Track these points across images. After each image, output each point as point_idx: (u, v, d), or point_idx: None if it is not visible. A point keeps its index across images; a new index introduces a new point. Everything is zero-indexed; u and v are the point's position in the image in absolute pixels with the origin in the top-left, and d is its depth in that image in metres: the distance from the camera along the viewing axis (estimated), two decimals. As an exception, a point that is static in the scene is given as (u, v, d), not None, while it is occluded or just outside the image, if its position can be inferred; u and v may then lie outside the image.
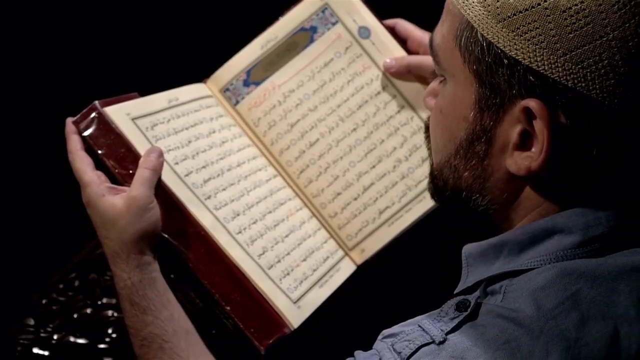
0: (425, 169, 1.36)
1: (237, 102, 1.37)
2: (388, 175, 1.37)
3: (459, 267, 1.05)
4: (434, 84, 1.10)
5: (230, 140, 1.32)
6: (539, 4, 0.91)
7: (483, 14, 0.93)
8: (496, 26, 0.93)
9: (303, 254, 1.31)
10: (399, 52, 1.38)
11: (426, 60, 1.35)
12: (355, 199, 1.36)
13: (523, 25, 0.92)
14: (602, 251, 0.95)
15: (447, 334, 0.94)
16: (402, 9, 1.41)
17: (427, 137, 1.09)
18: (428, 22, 1.38)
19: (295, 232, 1.32)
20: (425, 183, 1.36)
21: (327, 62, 1.38)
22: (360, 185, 1.36)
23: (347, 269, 1.35)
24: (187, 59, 1.53)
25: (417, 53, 1.37)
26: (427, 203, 1.36)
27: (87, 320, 1.43)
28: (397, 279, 1.56)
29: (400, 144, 1.37)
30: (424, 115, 1.37)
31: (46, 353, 1.43)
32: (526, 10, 0.91)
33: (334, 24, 1.38)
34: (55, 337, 1.43)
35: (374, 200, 1.36)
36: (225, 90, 1.37)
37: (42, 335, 1.43)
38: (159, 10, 1.55)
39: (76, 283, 1.43)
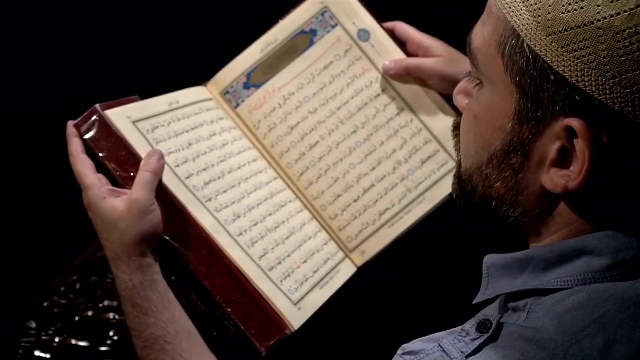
0: (424, 171, 1.36)
1: (238, 104, 1.38)
2: (388, 177, 1.37)
3: (459, 268, 1.05)
4: (466, 84, 1.05)
5: (230, 143, 1.33)
6: (592, 23, 0.87)
7: (532, 23, 0.90)
8: (545, 39, 0.89)
9: (303, 256, 1.31)
10: (398, 54, 1.38)
11: (425, 62, 1.36)
12: (355, 200, 1.36)
13: (574, 43, 0.88)
14: (631, 275, 0.93)
15: (467, 356, 0.92)
16: (401, 11, 1.42)
17: (456, 135, 1.07)
18: (427, 25, 1.39)
19: (296, 233, 1.32)
20: (425, 185, 1.37)
21: (327, 64, 1.38)
22: (360, 187, 1.37)
23: (347, 271, 1.35)
24: (188, 62, 1.53)
25: (416, 55, 1.38)
26: (426, 205, 1.36)
27: (88, 323, 1.43)
28: (397, 280, 1.56)
29: (400, 146, 1.37)
30: (424, 117, 1.38)
31: (47, 356, 1.43)
32: (578, 27, 0.88)
33: (333, 26, 1.38)
34: (56, 339, 1.43)
35: (374, 202, 1.37)
36: (225, 92, 1.37)
37: (43, 337, 1.43)
38: (160, 13, 1.55)
39: (77, 285, 1.43)
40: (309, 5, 1.38)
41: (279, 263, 1.28)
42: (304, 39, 1.38)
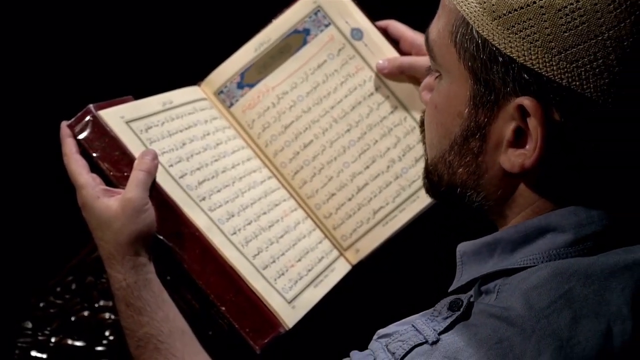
0: (418, 169, 1.37)
1: (231, 104, 1.38)
2: (382, 176, 1.37)
3: (453, 265, 1.05)
4: (429, 79, 1.10)
5: (224, 142, 1.33)
6: (534, 2, 0.91)
7: (479, 10, 0.93)
8: (491, 23, 0.93)
9: (298, 255, 1.31)
10: (391, 53, 1.38)
11: (418, 60, 1.36)
12: (350, 199, 1.37)
13: (518, 23, 0.91)
14: (595, 250, 0.95)
15: (440, 333, 0.94)
16: (394, 10, 1.42)
17: (423, 131, 1.09)
18: (420, 23, 1.38)
19: (290, 232, 1.32)
20: (418, 183, 1.37)
21: (320, 63, 1.38)
22: (354, 185, 1.37)
23: (341, 269, 1.35)
24: (181, 62, 1.53)
25: (409, 54, 1.38)
26: (420, 203, 1.37)
27: (84, 323, 1.43)
28: (391, 278, 1.56)
29: (394, 144, 1.38)
30: (417, 115, 1.38)
31: (44, 356, 1.43)
32: (521, 8, 0.91)
33: (326, 26, 1.38)
34: (52, 340, 1.43)
35: (368, 201, 1.37)
36: (219, 92, 1.38)
37: (39, 338, 1.44)
38: (153, 13, 1.55)
39: (73, 286, 1.44)
40: (302, 4, 1.38)
41: (273, 262, 1.28)
42: (297, 39, 1.38)
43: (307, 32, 1.38)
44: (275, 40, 1.38)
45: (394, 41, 1.39)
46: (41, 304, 1.44)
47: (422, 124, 1.09)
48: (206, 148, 1.30)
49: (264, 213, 1.31)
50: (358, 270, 1.36)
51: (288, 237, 1.31)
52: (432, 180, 1.05)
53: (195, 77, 1.38)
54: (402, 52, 1.39)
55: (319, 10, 1.38)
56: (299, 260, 1.31)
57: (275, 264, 1.28)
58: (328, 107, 1.38)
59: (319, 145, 1.37)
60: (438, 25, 1.00)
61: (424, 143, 1.08)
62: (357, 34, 1.39)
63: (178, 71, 1.40)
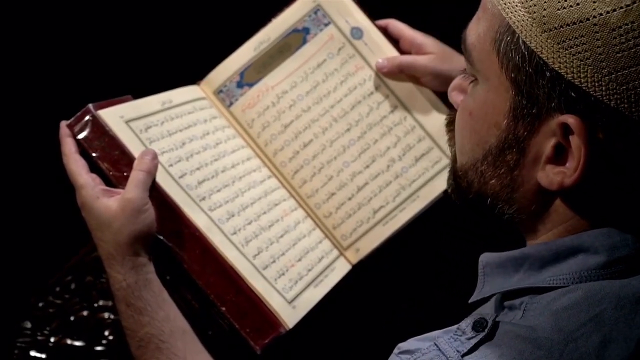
0: (418, 168, 1.36)
1: (231, 103, 1.37)
2: (382, 175, 1.37)
3: (452, 265, 1.05)
4: (460, 80, 1.05)
5: (224, 142, 1.33)
6: (588, 19, 0.87)
7: (527, 20, 0.90)
8: (541, 35, 0.89)
9: (298, 254, 1.31)
10: (391, 52, 1.38)
11: (418, 60, 1.36)
12: (350, 198, 1.36)
13: (570, 39, 0.88)
14: (626, 273, 0.93)
15: (463, 355, 0.92)
16: (394, 9, 1.42)
17: (450, 130, 1.06)
18: (420, 22, 1.39)
19: (290, 232, 1.32)
20: (419, 182, 1.37)
21: (320, 63, 1.38)
22: (354, 185, 1.37)
23: (342, 269, 1.35)
24: (181, 61, 1.53)
25: (409, 53, 1.38)
26: (420, 202, 1.36)
27: (83, 323, 1.43)
28: (392, 278, 1.56)
29: (394, 144, 1.37)
30: (417, 115, 1.38)
31: (43, 356, 1.43)
32: (574, 23, 0.87)
33: (326, 25, 1.38)
34: (52, 339, 1.43)
35: (368, 200, 1.37)
36: (218, 92, 1.37)
37: (39, 338, 1.43)
38: (153, 13, 1.55)
39: (72, 286, 1.44)
40: (302, 3, 1.38)
41: (274, 262, 1.28)
42: (297, 38, 1.38)
43: (306, 31, 1.38)
44: (274, 39, 1.37)
45: (394, 40, 1.39)
46: (40, 304, 1.44)
47: (449, 124, 1.06)
48: (206, 147, 1.30)
49: (264, 213, 1.31)
50: (358, 270, 1.36)
51: (288, 237, 1.31)
52: (460, 185, 1.01)
53: (194, 76, 1.38)
54: (402, 51, 1.38)
55: (318, 9, 1.38)
56: (299, 260, 1.31)
57: (276, 264, 1.28)
58: (328, 106, 1.37)
59: (318, 144, 1.37)
60: (478, 29, 0.95)
61: (452, 145, 1.05)
62: (357, 33, 1.38)
63: (177, 70, 1.39)
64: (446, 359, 0.92)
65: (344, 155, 1.37)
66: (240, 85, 1.37)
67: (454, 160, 1.04)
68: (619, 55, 0.87)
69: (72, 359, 1.43)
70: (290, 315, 1.26)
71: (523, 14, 0.90)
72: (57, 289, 1.43)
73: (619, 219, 0.94)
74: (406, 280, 1.57)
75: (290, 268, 1.29)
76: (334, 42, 1.38)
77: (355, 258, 1.36)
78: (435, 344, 0.94)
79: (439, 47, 1.36)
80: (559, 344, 0.88)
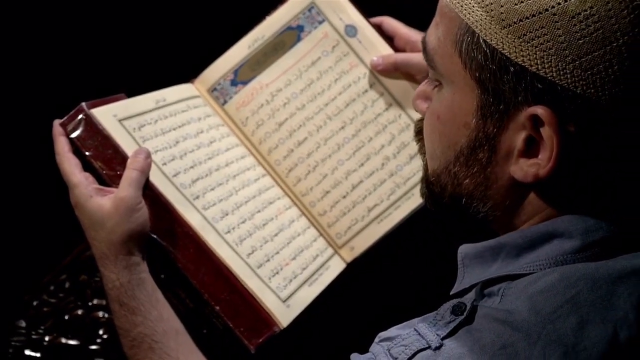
0: (413, 167, 1.36)
1: (225, 101, 1.37)
2: (376, 173, 1.37)
3: (449, 263, 1.05)
4: (423, 87, 1.06)
5: (218, 140, 1.32)
6: (546, 10, 0.88)
7: (485, 19, 0.91)
8: (501, 32, 0.90)
9: (292, 253, 1.31)
10: (386, 50, 1.38)
11: (413, 57, 1.35)
12: (344, 197, 1.36)
13: (530, 32, 0.89)
14: (602, 256, 0.94)
15: (443, 339, 0.93)
16: (388, 7, 1.42)
17: (419, 140, 1.07)
18: (415, 20, 1.38)
19: (285, 230, 1.32)
20: (413, 180, 1.36)
21: (315, 60, 1.38)
22: (349, 183, 1.36)
23: (336, 267, 1.35)
24: (175, 59, 1.52)
25: (404, 51, 1.37)
26: (415, 200, 1.36)
27: (78, 322, 1.43)
28: (386, 276, 1.56)
29: (389, 142, 1.37)
30: (412, 112, 1.37)
31: (38, 355, 1.43)
32: (533, 16, 0.89)
33: (320, 22, 1.38)
34: (46, 338, 1.43)
35: (363, 198, 1.36)
36: (212, 90, 1.37)
37: (33, 337, 1.43)
38: (146, 11, 1.55)
39: (67, 284, 1.43)
40: (296, 1, 1.37)
41: (268, 260, 1.28)
42: (291, 35, 1.37)
43: (300, 28, 1.38)
44: (269, 37, 1.37)
45: (389, 38, 1.39)
46: (35, 303, 1.43)
47: (418, 134, 1.07)
48: (200, 146, 1.29)
49: (258, 211, 1.31)
50: (353, 268, 1.36)
51: (282, 235, 1.31)
52: (434, 191, 1.02)
53: (188, 74, 1.38)
54: (396, 49, 1.38)
55: (312, 7, 1.38)
56: (294, 258, 1.30)
57: (270, 263, 1.28)
58: (322, 104, 1.37)
59: (313, 142, 1.37)
60: (438, 33, 0.96)
61: (422, 153, 1.06)
62: (351, 30, 1.38)
63: (171, 68, 1.39)
64: (426, 343, 0.93)
65: (338, 153, 1.37)
66: (234, 83, 1.37)
67: (425, 168, 1.05)
68: (580, 41, 0.88)
69: (66, 358, 1.43)
70: (284, 314, 1.26)
71: (480, 14, 0.91)
72: (52, 287, 1.43)
73: (593, 204, 0.95)
74: (401, 279, 1.57)
75: (284, 267, 1.29)
76: (328, 40, 1.38)
77: (349, 256, 1.36)
78: (415, 329, 0.95)
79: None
80: (536, 326, 0.89)
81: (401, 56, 1.36)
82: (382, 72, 1.37)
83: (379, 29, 1.39)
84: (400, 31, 1.37)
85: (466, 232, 1.05)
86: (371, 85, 1.38)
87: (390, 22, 1.39)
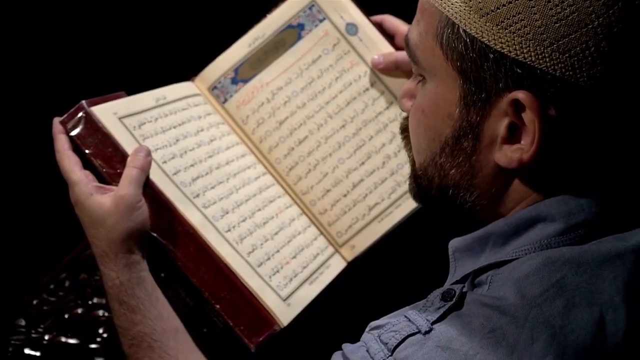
0: (414, 165, 1.36)
1: (226, 100, 1.37)
2: (377, 172, 1.37)
3: (448, 262, 1.05)
4: (408, 85, 1.10)
5: (218, 138, 1.32)
6: None
7: (464, 9, 0.93)
8: (479, 21, 0.92)
9: (293, 251, 1.31)
10: (386, 48, 1.37)
11: (414, 56, 1.35)
12: (345, 195, 1.36)
13: (507, 18, 0.91)
14: (586, 238, 0.95)
15: (432, 323, 0.94)
16: (389, 5, 1.41)
17: (405, 137, 1.09)
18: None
19: (285, 229, 1.32)
20: (414, 179, 1.36)
21: (315, 59, 1.37)
22: (349, 181, 1.36)
23: (337, 266, 1.35)
24: (175, 57, 1.52)
25: (404, 49, 1.37)
26: (416, 199, 1.36)
27: (78, 320, 1.43)
28: (387, 275, 1.56)
29: (389, 140, 1.37)
30: (412, 111, 1.37)
31: (37, 353, 1.43)
32: (510, 3, 0.91)
33: (321, 20, 1.38)
34: (46, 337, 1.43)
35: (364, 197, 1.36)
36: (213, 88, 1.37)
37: (33, 335, 1.43)
38: (147, 9, 1.55)
39: (67, 283, 1.43)
40: (297, -1, 1.37)
41: (268, 259, 1.28)
42: (291, 34, 1.37)
43: (301, 27, 1.37)
44: (269, 35, 1.37)
45: (389, 36, 1.39)
46: (35, 302, 1.43)
47: (403, 131, 1.09)
48: (200, 144, 1.29)
49: (259, 210, 1.30)
50: (353, 267, 1.36)
51: (283, 234, 1.31)
52: (421, 185, 1.04)
53: (189, 72, 1.37)
54: (397, 47, 1.38)
55: (313, 5, 1.37)
56: (294, 257, 1.30)
57: (270, 261, 1.28)
58: (323, 103, 1.37)
59: (314, 141, 1.36)
60: (419, 29, 0.99)
61: (409, 150, 1.08)
62: (352, 28, 1.38)
63: (171, 66, 1.39)
64: (416, 327, 0.94)
65: (339, 151, 1.36)
66: (234, 81, 1.37)
67: (412, 163, 1.07)
68: (557, 25, 0.91)
69: (66, 357, 1.43)
70: (284, 313, 1.26)
71: (459, 5, 0.94)
72: (52, 286, 1.43)
73: (574, 186, 0.96)
74: (401, 278, 1.57)
75: (285, 265, 1.29)
76: (329, 38, 1.38)
77: (350, 255, 1.36)
78: (405, 316, 0.96)
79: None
80: (522, 309, 0.90)
81: (402, 54, 1.36)
82: (383, 71, 1.37)
83: (379, 27, 1.39)
84: (401, 29, 1.37)
85: (465, 229, 1.05)
86: (372, 84, 1.38)
87: (391, 21, 1.39)
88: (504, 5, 0.91)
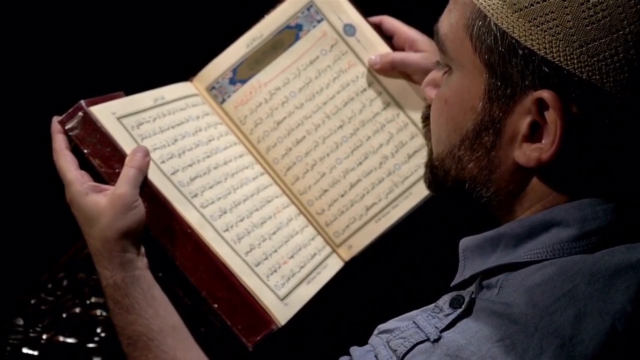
0: (411, 165, 1.36)
1: (224, 100, 1.37)
2: (374, 172, 1.37)
3: (447, 262, 1.05)
4: (434, 74, 1.08)
5: (216, 139, 1.32)
6: None
7: (498, 3, 0.93)
8: (512, 16, 0.92)
9: (290, 251, 1.31)
10: (384, 49, 1.38)
11: (410, 56, 1.35)
12: (342, 195, 1.36)
13: (540, 16, 0.91)
14: (599, 246, 0.95)
15: (441, 331, 0.93)
16: (387, 6, 1.42)
17: (426, 126, 1.08)
18: (415, 19, 1.39)
19: (283, 229, 1.32)
20: (411, 179, 1.36)
21: (313, 59, 1.38)
22: (347, 182, 1.36)
23: (334, 266, 1.35)
24: (173, 57, 1.53)
25: (403, 50, 1.37)
26: (413, 199, 1.36)
27: (76, 320, 1.43)
28: (384, 275, 1.56)
29: (387, 141, 1.37)
30: (410, 112, 1.37)
31: (35, 353, 1.43)
32: (544, 1, 0.91)
33: (319, 21, 1.38)
34: (44, 336, 1.43)
35: (361, 197, 1.36)
36: (211, 88, 1.37)
37: (31, 335, 1.43)
38: (145, 9, 1.55)
39: (65, 282, 1.43)
40: (295, 0, 1.37)
41: (266, 259, 1.28)
42: (289, 34, 1.37)
43: (299, 27, 1.38)
44: (267, 35, 1.37)
45: (387, 37, 1.39)
46: (32, 301, 1.43)
47: (425, 119, 1.08)
48: (198, 144, 1.29)
49: (257, 209, 1.31)
50: (351, 267, 1.36)
51: (281, 234, 1.31)
52: (437, 175, 1.03)
53: (187, 72, 1.38)
54: (395, 48, 1.38)
55: (311, 6, 1.38)
56: (292, 256, 1.30)
57: (268, 261, 1.28)
58: (321, 103, 1.37)
59: (311, 141, 1.37)
60: (450, 19, 0.98)
61: (428, 139, 1.07)
62: (350, 29, 1.38)
63: (170, 67, 1.39)
64: (425, 335, 0.94)
65: (336, 152, 1.37)
66: (232, 81, 1.37)
67: (430, 153, 1.06)
68: (588, 28, 0.90)
69: (64, 356, 1.43)
70: (282, 312, 1.26)
71: None
72: (49, 285, 1.43)
73: (593, 191, 0.96)
74: (399, 278, 1.57)
75: (282, 265, 1.29)
76: (327, 39, 1.38)
77: (348, 255, 1.36)
78: (414, 322, 0.96)
79: (432, 44, 1.35)
80: (533, 318, 0.90)
81: (398, 55, 1.36)
82: (380, 71, 1.37)
83: (378, 28, 1.39)
84: (400, 30, 1.38)
85: (464, 228, 1.05)
86: (369, 84, 1.38)
87: (390, 21, 1.39)
88: (538, 2, 0.91)
